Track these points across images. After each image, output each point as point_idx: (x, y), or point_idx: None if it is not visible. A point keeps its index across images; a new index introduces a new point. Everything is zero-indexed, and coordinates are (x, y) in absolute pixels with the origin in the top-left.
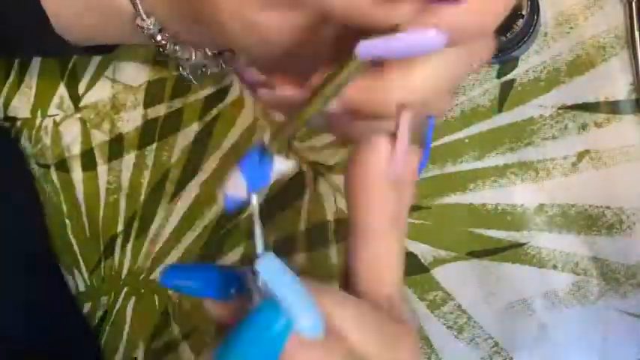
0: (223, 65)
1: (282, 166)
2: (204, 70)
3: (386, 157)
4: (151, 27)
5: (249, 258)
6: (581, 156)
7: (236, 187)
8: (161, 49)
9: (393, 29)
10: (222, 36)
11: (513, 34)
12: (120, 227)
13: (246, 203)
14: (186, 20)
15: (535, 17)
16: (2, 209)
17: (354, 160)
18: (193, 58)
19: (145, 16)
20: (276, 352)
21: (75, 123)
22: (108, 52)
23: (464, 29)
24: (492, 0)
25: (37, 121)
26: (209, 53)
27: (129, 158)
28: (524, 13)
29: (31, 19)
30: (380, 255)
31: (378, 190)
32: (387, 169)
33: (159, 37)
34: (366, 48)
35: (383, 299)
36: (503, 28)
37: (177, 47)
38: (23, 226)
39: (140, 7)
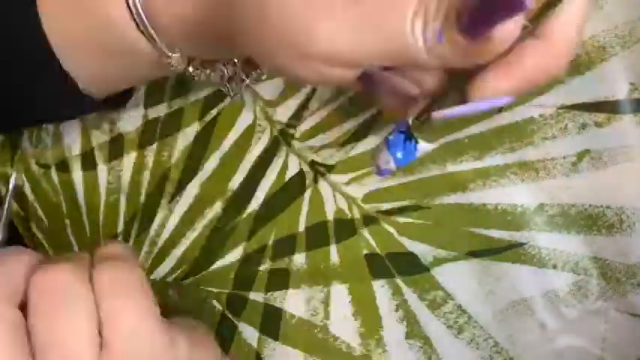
0: (254, 73)
1: (426, 147)
2: (244, 83)
3: None
4: (180, 63)
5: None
6: (581, 156)
7: (384, 160)
8: (194, 78)
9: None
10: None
11: None
12: (120, 227)
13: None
14: (210, 43)
15: None
16: None
17: None
18: (226, 74)
19: (169, 53)
20: None
21: (75, 123)
22: (124, 103)
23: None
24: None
25: None
26: (237, 63)
27: (129, 158)
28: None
29: (50, 77)
30: None
31: None
32: None
33: (190, 69)
34: (439, 114)
35: None
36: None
37: (208, 71)
38: None
39: (160, 44)
